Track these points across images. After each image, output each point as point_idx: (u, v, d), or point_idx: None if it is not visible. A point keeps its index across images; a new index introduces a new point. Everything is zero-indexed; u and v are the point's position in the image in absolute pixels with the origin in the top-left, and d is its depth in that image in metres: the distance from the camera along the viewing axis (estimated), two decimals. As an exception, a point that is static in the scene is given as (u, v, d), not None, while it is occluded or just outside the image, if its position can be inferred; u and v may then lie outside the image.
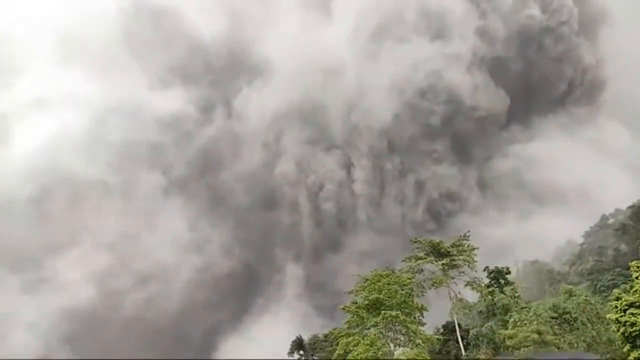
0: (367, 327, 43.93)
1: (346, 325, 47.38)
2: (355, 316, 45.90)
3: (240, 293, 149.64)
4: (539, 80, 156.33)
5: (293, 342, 68.18)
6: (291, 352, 67.80)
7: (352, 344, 43.40)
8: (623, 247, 78.17)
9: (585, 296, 45.98)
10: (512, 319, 42.17)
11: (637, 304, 31.11)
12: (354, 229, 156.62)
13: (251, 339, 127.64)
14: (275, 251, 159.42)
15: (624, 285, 39.37)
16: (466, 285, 46.75)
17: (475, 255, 47.53)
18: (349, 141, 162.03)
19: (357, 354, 41.79)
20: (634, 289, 32.28)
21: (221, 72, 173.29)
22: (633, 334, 30.32)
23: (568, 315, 40.96)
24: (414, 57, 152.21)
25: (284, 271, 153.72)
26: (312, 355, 67.25)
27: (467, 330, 45.91)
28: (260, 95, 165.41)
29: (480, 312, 51.45)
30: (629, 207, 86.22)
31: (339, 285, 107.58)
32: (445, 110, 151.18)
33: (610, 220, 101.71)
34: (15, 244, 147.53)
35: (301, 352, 67.43)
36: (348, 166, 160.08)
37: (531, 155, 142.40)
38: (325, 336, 64.93)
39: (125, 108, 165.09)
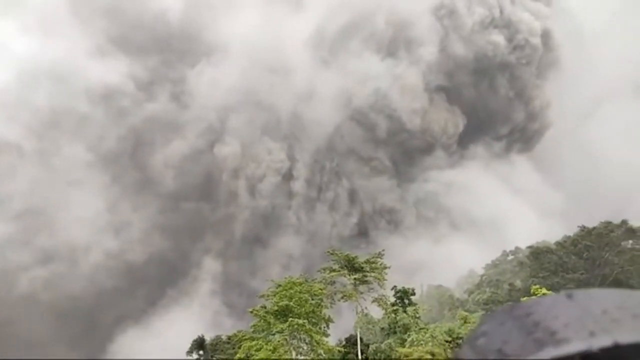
0: (273, 332, 43.94)
1: (252, 329, 47.10)
2: (262, 320, 45.76)
3: (152, 284, 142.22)
4: (483, 116, 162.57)
5: (194, 341, 66.30)
6: (190, 352, 65.88)
7: (254, 348, 43.13)
8: (518, 282, 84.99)
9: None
10: (410, 338, 44.11)
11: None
12: (283, 230, 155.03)
13: (154, 332, 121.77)
14: (197, 243, 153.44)
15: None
16: (373, 301, 48.25)
17: (386, 273, 49.25)
18: (294, 136, 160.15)
19: (259, 359, 41.57)
20: (522, 321, 35.09)
21: (168, 51, 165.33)
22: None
23: (460, 341, 43.64)
24: (363, 72, 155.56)
25: (201, 265, 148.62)
26: (212, 356, 65.73)
27: (368, 345, 47.28)
28: (207, 80, 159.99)
29: (383, 328, 53.21)
30: (528, 247, 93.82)
31: (257, 285, 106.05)
32: (390, 126, 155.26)
33: (510, 257, 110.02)
34: None
35: (201, 352, 65.74)
36: (292, 160, 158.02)
37: (451, 182, 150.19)
38: (229, 338, 63.86)
39: (58, 72, 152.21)
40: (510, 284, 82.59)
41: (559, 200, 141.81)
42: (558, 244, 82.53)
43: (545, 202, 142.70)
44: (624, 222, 77.57)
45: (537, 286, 37.44)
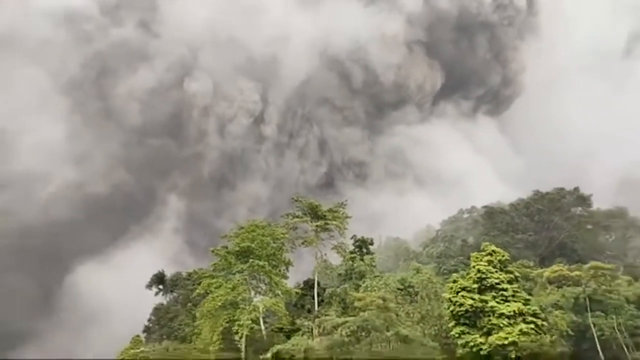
0: (233, 272, 45.05)
1: (212, 268, 48.04)
2: (223, 260, 46.70)
3: (113, 218, 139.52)
4: (458, 75, 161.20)
5: (154, 275, 67.23)
6: (150, 286, 66.95)
7: (214, 285, 44.27)
8: (470, 239, 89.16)
9: (430, 275, 52.08)
10: (364, 284, 46.33)
11: (469, 288, 36.08)
12: (251, 173, 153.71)
13: (114, 266, 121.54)
14: (162, 180, 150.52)
15: (463, 272, 45.16)
16: (333, 248, 49.79)
17: (348, 223, 50.62)
18: (267, 79, 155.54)
19: (217, 296, 42.82)
20: (469, 275, 37.33)
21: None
22: (459, 313, 35.27)
23: (412, 289, 46.17)
24: (342, 18, 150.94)
25: (166, 202, 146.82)
26: (171, 291, 67.05)
27: (324, 289, 49.32)
28: (177, 11, 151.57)
29: (340, 274, 55.41)
30: (484, 207, 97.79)
31: (222, 226, 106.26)
32: (365, 77, 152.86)
33: (465, 215, 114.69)
34: None
35: (160, 286, 66.90)
36: (264, 103, 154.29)
37: (419, 138, 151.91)
38: (189, 275, 65.03)
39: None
40: (463, 240, 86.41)
41: (518, 164, 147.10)
42: (512, 205, 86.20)
43: (505, 164, 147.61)
44: (576, 189, 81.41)
45: (487, 243, 39.54)
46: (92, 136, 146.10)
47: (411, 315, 39.75)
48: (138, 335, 53.96)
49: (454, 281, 37.22)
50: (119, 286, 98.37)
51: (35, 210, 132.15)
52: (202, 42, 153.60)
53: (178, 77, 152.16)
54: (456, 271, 52.43)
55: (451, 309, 35.63)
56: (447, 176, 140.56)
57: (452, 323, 35.51)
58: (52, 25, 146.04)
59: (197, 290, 47.49)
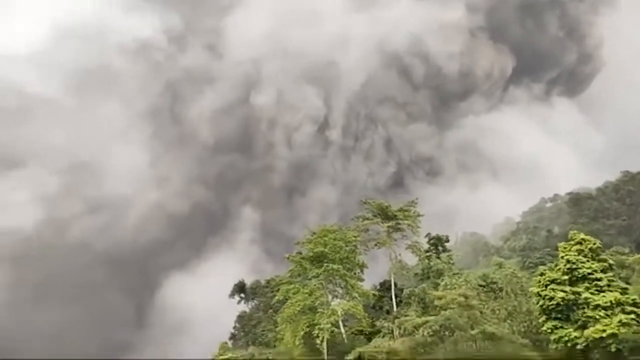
0: (309, 277, 45.55)
1: (289, 274, 48.95)
2: (298, 266, 47.41)
3: (194, 233, 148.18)
4: (528, 58, 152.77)
5: (235, 285, 69.97)
6: (232, 295, 69.74)
7: (292, 291, 45.01)
8: (556, 229, 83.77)
9: (514, 270, 49.42)
10: (443, 282, 44.89)
11: (558, 280, 33.77)
12: (319, 179, 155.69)
13: (198, 278, 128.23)
14: (236, 194, 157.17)
15: (550, 264, 42.40)
16: (407, 248, 48.86)
17: (420, 221, 49.48)
18: (329, 83, 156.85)
19: (296, 301, 43.48)
20: (558, 267, 34.94)
21: (198, 3, 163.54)
22: (550, 307, 33.08)
23: (495, 285, 43.99)
24: (397, 15, 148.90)
25: (240, 215, 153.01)
26: (252, 299, 69.30)
27: (402, 290, 48.50)
28: (239, 29, 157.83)
29: (416, 274, 54.23)
30: (567, 194, 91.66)
31: (295, 233, 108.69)
32: (426, 70, 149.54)
33: (548, 204, 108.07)
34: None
35: (242, 295, 69.43)
36: (328, 107, 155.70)
37: (489, 127, 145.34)
38: (268, 282, 66.80)
39: (90, 28, 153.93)
40: (547, 231, 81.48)
41: (602, 145, 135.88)
42: (599, 189, 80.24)
43: (587, 147, 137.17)
44: (671, 166, 74.05)
45: (575, 231, 36.80)
46: (170, 159, 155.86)
47: (497, 312, 37.82)
48: (225, 342, 56.17)
49: (542, 274, 34.99)
50: (204, 297, 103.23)
51: (125, 231, 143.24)
52: (264, 56, 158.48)
53: (244, 93, 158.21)
54: (542, 264, 49.37)
55: (540, 303, 33.49)
56: (523, 165, 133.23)
57: (543, 318, 33.36)
58: (126, 59, 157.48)
59: (276, 297, 48.55)
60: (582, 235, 35.49)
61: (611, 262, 34.86)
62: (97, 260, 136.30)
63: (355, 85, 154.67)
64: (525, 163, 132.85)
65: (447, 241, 57.44)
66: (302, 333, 42.56)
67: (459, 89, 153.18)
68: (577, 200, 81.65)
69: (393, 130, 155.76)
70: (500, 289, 42.51)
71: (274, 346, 50.58)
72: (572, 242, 35.22)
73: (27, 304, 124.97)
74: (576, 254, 34.34)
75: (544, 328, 33.09)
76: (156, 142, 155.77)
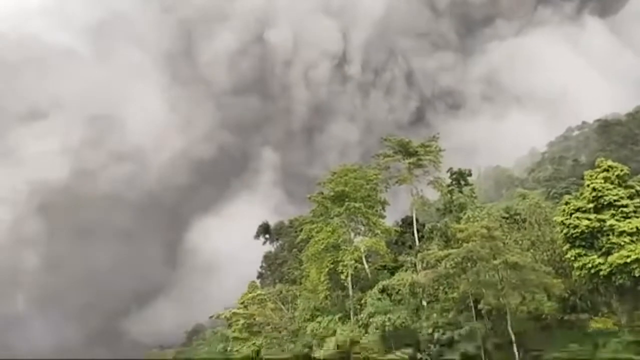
0: (331, 216, 46.22)
1: (311, 214, 49.72)
2: (320, 206, 48.04)
3: (217, 177, 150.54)
4: None
5: (259, 226, 71.79)
6: (257, 236, 71.77)
7: (315, 230, 45.94)
8: (582, 158, 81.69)
9: (538, 200, 48.86)
10: (465, 216, 44.90)
11: (583, 209, 33.32)
12: (339, 117, 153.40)
13: (225, 220, 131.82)
14: (255, 136, 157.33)
15: (576, 193, 41.69)
16: (428, 184, 48.64)
17: (441, 156, 48.82)
18: (347, 14, 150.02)
19: (319, 240, 44.45)
20: (583, 195, 34.34)
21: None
22: (574, 235, 32.92)
23: (518, 217, 43.74)
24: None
25: (261, 157, 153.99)
26: (277, 239, 71.24)
27: (424, 225, 48.75)
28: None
29: (438, 209, 54.30)
30: (596, 121, 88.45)
31: (316, 173, 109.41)
32: None
33: (575, 132, 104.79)
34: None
35: (267, 236, 71.41)
36: (346, 41, 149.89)
37: (515, 53, 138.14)
38: (291, 222, 68.20)
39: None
40: (574, 160, 79.62)
41: (634, 67, 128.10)
42: (629, 115, 77.10)
43: (620, 70, 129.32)
44: None
45: (602, 159, 35.72)
46: (189, 104, 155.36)
47: (520, 242, 37.85)
48: (254, 281, 58.45)
49: (566, 203, 34.52)
50: (230, 238, 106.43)
51: (151, 178, 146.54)
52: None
53: (258, 31, 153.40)
54: (568, 193, 48.54)
55: (564, 231, 33.30)
56: (550, 92, 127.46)
57: (567, 246, 33.30)
58: (138, 2, 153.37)
59: (300, 236, 49.70)
60: (609, 162, 34.52)
61: (638, 188, 34.03)
62: (126, 208, 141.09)
63: (374, 16, 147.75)
64: (553, 90, 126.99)
65: (470, 175, 56.63)
66: (326, 270, 43.84)
67: (485, 14, 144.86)
68: (605, 127, 78.83)
69: (415, 62, 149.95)
70: (524, 220, 42.30)
71: (300, 283, 52.38)
72: (599, 170, 34.37)
73: (62, 252, 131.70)
74: (602, 181, 33.58)
75: (568, 256, 33.11)
76: (174, 87, 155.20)
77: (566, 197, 37.44)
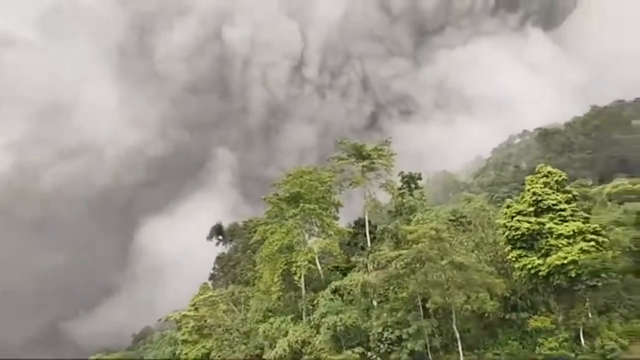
0: (286, 217, 46.30)
1: (266, 215, 49.66)
2: (275, 207, 48.04)
3: (171, 176, 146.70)
4: None
5: (212, 227, 70.67)
6: (210, 237, 70.62)
7: (269, 231, 45.90)
8: (523, 165, 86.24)
9: (482, 204, 51.24)
10: (415, 218, 46.43)
11: (524, 212, 35.30)
12: (297, 120, 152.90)
13: (178, 220, 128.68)
14: (212, 135, 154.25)
15: (517, 197, 44.12)
16: (381, 187, 49.74)
17: (393, 160, 50.11)
18: (305, 17, 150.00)
19: (273, 241, 44.47)
20: (524, 199, 36.39)
21: None
22: (515, 237, 34.82)
23: (464, 219, 45.75)
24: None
25: (217, 157, 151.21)
26: (230, 240, 70.40)
27: (376, 227, 49.93)
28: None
29: (390, 211, 55.75)
30: (536, 129, 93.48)
31: (272, 175, 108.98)
32: (406, 2, 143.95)
33: (517, 140, 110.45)
34: None
35: (220, 237, 70.41)
36: (305, 43, 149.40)
37: (464, 61, 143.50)
38: (245, 224, 67.66)
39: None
40: (515, 166, 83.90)
41: (576, 80, 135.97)
42: (567, 124, 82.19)
43: (561, 81, 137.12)
44: (637, 99, 76.06)
45: (542, 165, 38.03)
46: (143, 100, 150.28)
47: (465, 244, 39.62)
48: (206, 283, 57.52)
49: (508, 206, 36.49)
50: (184, 238, 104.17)
51: (102, 175, 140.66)
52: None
53: (216, 29, 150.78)
54: (510, 197, 51.24)
55: (506, 234, 35.18)
56: (496, 100, 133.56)
57: (508, 248, 35.19)
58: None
59: (254, 238, 49.49)
60: (548, 169, 36.70)
61: (575, 193, 36.43)
62: (75, 206, 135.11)
63: (332, 19, 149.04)
64: (498, 98, 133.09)
65: (420, 179, 58.75)
66: (280, 271, 43.94)
67: (436, 22, 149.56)
68: (545, 135, 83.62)
69: (370, 67, 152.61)
70: (469, 223, 44.27)
71: (253, 284, 52.16)
72: (539, 175, 36.47)
73: (5, 250, 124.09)
74: (542, 186, 35.67)
75: (509, 257, 34.98)
76: (128, 82, 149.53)
77: (508, 201, 39.55)
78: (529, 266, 33.57)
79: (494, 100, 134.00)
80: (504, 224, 35.57)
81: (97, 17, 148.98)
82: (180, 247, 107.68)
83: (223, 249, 71.51)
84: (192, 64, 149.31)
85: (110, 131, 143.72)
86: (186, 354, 45.73)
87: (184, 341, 46.60)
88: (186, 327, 46.53)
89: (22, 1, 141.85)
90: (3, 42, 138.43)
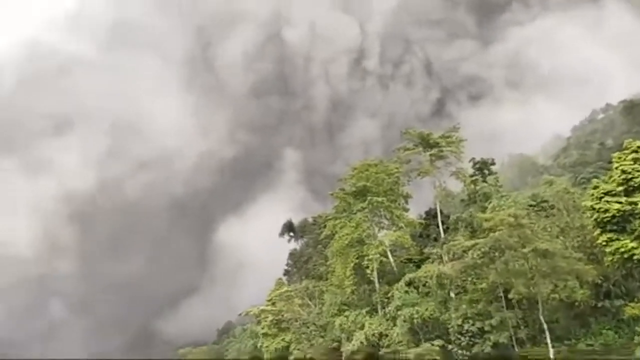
0: (354, 211, 46.22)
1: (334, 210, 49.88)
2: (342, 202, 48.16)
3: (241, 178, 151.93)
4: None
5: (283, 225, 72.41)
6: (282, 234, 72.40)
7: (338, 226, 46.06)
8: (609, 142, 79.40)
9: (565, 186, 47.81)
10: (490, 205, 44.26)
11: (613, 192, 32.45)
12: (360, 113, 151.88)
13: (251, 220, 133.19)
14: (277, 136, 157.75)
15: (604, 177, 40.71)
16: (451, 175, 48.11)
17: (463, 147, 48.23)
18: (364, 8, 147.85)
19: (343, 235, 44.54)
20: (612, 178, 33.46)
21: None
22: (604, 220, 32.07)
23: (545, 204, 42.89)
24: None
25: (283, 156, 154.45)
26: (301, 236, 71.64)
27: (448, 216, 48.32)
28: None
29: (462, 200, 53.70)
30: (621, 102, 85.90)
31: (338, 170, 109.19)
32: None
33: (600, 115, 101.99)
34: (2, 127, 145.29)
35: (291, 233, 71.94)
36: (364, 35, 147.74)
37: (535, 37, 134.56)
38: (315, 220, 68.45)
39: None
40: (600, 144, 77.43)
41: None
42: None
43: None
44: None
45: (630, 140, 34.70)
46: (210, 107, 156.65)
47: (549, 229, 37.10)
48: (280, 278, 58.97)
49: (595, 187, 33.71)
50: (257, 237, 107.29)
51: (177, 183, 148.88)
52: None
53: (274, 31, 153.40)
54: (596, 178, 47.46)
55: (594, 216, 32.51)
56: (574, 75, 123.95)
57: (598, 231, 32.51)
58: (151, 9, 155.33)
59: (324, 233, 49.90)
60: (637, 143, 33.52)
61: (671, 168, 32.93)
62: (154, 213, 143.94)
63: (388, 8, 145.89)
64: (577, 72, 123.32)
65: (493, 164, 55.83)
66: (352, 265, 43.94)
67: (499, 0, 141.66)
68: (631, 108, 76.43)
69: (433, 52, 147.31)
70: (552, 207, 41.44)
71: (326, 279, 52.57)
72: (627, 151, 33.39)
73: (95, 259, 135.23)
74: (632, 162, 32.63)
75: (599, 241, 32.33)
76: (193, 91, 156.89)
77: (594, 181, 36.56)
78: (622, 250, 30.84)
79: (571, 76, 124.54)
80: (591, 206, 32.89)
81: (159, 33, 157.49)
82: (255, 245, 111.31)
83: (295, 245, 73.14)
84: (254, 68, 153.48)
85: (181, 140, 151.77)
86: (267, 346, 47.13)
87: (264, 334, 48.08)
88: (265, 321, 47.97)
89: (88, 22, 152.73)
90: (73, 61, 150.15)
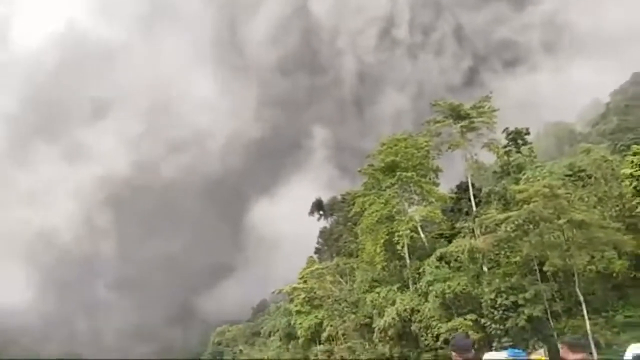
0: (383, 188, 45.78)
1: (363, 187, 49.57)
2: (371, 178, 47.75)
3: (271, 156, 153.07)
4: None
5: (312, 203, 72.64)
6: (311, 213, 72.72)
7: (367, 202, 45.82)
8: (652, 106, 75.48)
9: (603, 154, 45.78)
10: (524, 177, 42.91)
11: (654, 159, 30.90)
12: (389, 84, 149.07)
13: (281, 199, 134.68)
14: (306, 112, 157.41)
15: (646, 143, 38.71)
16: (483, 146, 46.72)
17: (495, 117, 46.66)
18: None
19: (372, 212, 44.31)
20: (654, 144, 31.82)
21: None
22: (644, 188, 30.65)
23: (583, 173, 41.20)
24: None
25: (312, 133, 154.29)
26: (331, 214, 71.80)
27: (480, 189, 47.16)
28: None
29: (495, 172, 52.35)
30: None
31: (368, 146, 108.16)
32: None
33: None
34: (44, 113, 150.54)
35: (321, 212, 72.18)
36: (393, 2, 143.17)
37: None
38: (343, 197, 68.35)
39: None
40: (643, 108, 73.59)
41: None
42: None
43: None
44: None
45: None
46: (239, 86, 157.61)
47: (586, 199, 35.73)
48: (312, 256, 59.54)
49: (635, 153, 32.14)
50: (287, 216, 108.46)
51: (209, 162, 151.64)
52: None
53: (299, 3, 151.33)
54: (637, 144, 45.20)
55: (634, 184, 31.10)
56: (613, 36, 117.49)
57: (637, 200, 31.12)
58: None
59: (353, 210, 49.78)
60: (683, 106, 31.65)
61: None
62: (189, 194, 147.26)
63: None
64: (616, 33, 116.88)
65: (528, 134, 53.97)
66: (382, 241, 43.74)
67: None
68: (678, 69, 72.12)
69: (464, 17, 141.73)
70: (589, 176, 39.80)
71: (357, 256, 52.72)
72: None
73: (133, 240, 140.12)
74: (676, 127, 30.89)
75: (639, 210, 30.97)
76: (222, 71, 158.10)
77: (635, 147, 34.80)
78: (665, 219, 29.49)
79: (611, 35, 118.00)
80: (631, 173, 31.44)
81: (187, 16, 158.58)
82: (286, 225, 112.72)
83: (325, 223, 73.35)
84: (280, 44, 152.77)
85: (213, 120, 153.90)
86: (300, 323, 47.87)
87: (298, 312, 48.83)
88: (298, 299, 48.64)
89: (119, 9, 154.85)
90: (109, 45, 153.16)
